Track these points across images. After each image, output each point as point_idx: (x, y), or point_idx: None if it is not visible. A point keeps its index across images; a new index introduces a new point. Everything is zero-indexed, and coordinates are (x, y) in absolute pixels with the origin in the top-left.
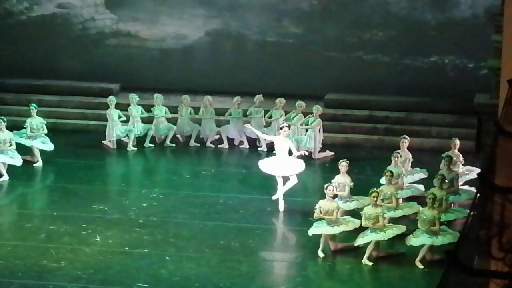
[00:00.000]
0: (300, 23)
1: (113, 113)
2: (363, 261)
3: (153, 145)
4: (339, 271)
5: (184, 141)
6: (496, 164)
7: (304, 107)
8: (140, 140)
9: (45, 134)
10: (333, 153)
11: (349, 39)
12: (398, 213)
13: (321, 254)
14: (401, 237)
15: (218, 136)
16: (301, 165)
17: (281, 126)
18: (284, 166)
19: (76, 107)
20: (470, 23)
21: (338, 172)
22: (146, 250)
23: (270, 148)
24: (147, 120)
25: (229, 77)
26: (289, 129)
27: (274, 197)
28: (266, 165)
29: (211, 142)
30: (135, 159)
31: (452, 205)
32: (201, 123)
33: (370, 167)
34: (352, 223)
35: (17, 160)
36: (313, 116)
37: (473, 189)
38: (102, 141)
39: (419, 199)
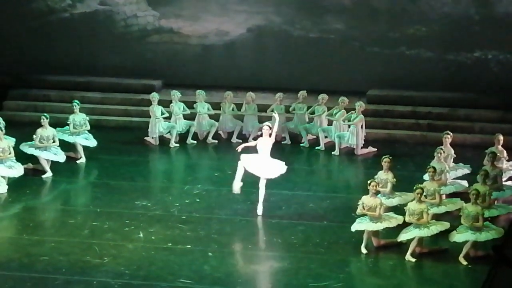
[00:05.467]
0: (342, 18)
1: (156, 110)
2: (406, 257)
3: (195, 142)
4: (382, 267)
5: (226, 138)
6: None
7: (347, 103)
8: (182, 137)
9: (88, 131)
10: (376, 149)
11: (391, 35)
12: (442, 209)
13: (364, 250)
14: (444, 233)
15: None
16: (282, 167)
17: (262, 125)
18: (267, 168)
19: (118, 103)
20: None
21: (381, 168)
22: (189, 246)
23: (312, 144)
24: (190, 117)
25: (272, 73)
26: (271, 129)
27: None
28: (250, 164)
29: (253, 138)
30: (177, 156)
31: (496, 201)
32: (243, 119)
33: (413, 163)
34: (395, 220)
35: (60, 157)
36: (355, 112)
37: None
38: (145, 138)
39: (462, 195)
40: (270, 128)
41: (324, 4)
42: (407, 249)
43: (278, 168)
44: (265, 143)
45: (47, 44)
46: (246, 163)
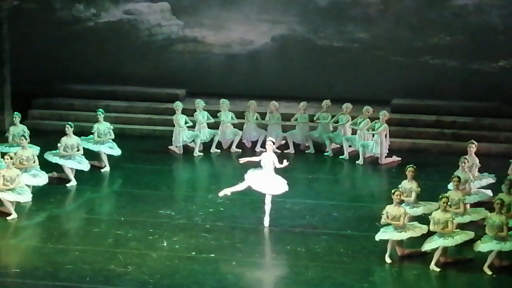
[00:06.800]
0: (366, 28)
1: (180, 119)
2: (430, 267)
3: (219, 151)
4: (406, 277)
5: (250, 147)
6: None
7: (371, 112)
8: (206, 146)
9: (112, 140)
10: (400, 159)
11: (415, 44)
12: (466, 218)
13: (388, 260)
14: (469, 242)
15: (284, 141)
16: (285, 185)
17: (267, 140)
18: (271, 184)
19: (143, 112)
20: None
21: (405, 177)
22: (212, 255)
23: (336, 153)
24: (213, 126)
25: (295, 83)
26: (274, 144)
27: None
28: (254, 182)
29: (277, 148)
30: (201, 165)
31: None
32: (267, 128)
33: (437, 172)
34: (419, 229)
35: (84, 165)
36: (379, 121)
37: None
38: (169, 147)
39: (487, 205)
40: (274, 143)
41: (348, 13)
42: (431, 259)
43: (282, 185)
44: (268, 158)
45: (72, 53)
46: (251, 181)
